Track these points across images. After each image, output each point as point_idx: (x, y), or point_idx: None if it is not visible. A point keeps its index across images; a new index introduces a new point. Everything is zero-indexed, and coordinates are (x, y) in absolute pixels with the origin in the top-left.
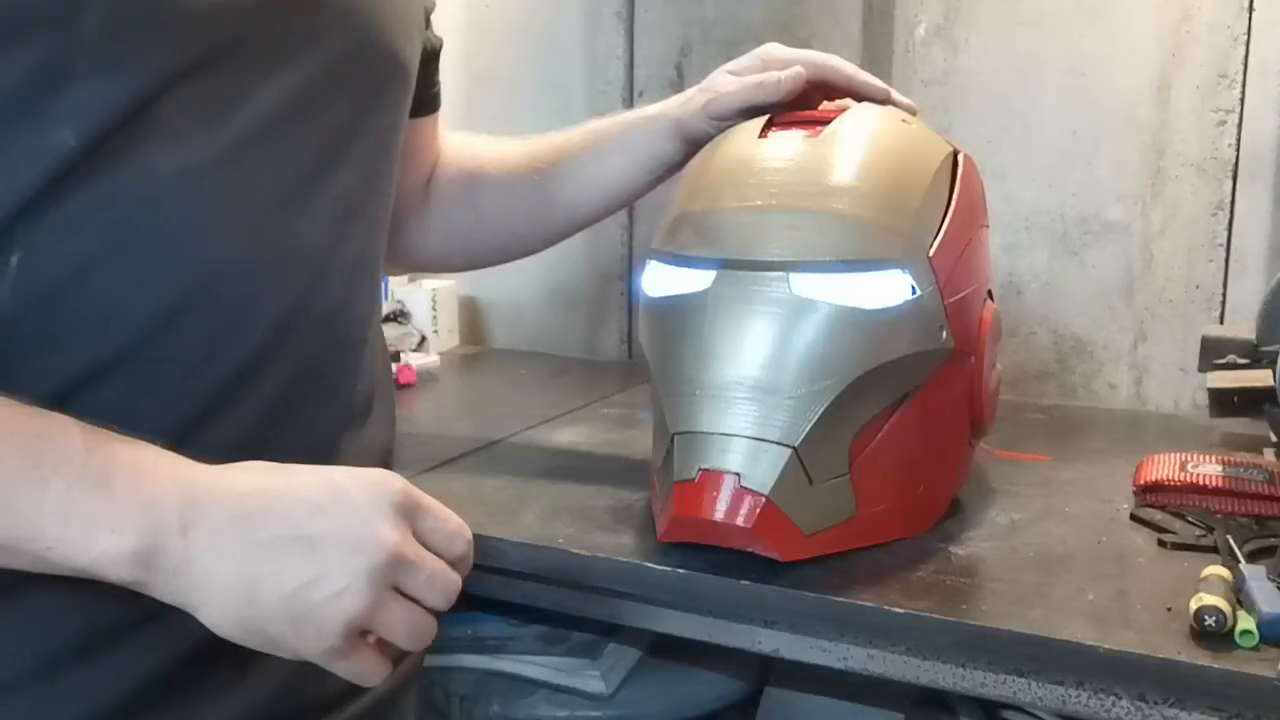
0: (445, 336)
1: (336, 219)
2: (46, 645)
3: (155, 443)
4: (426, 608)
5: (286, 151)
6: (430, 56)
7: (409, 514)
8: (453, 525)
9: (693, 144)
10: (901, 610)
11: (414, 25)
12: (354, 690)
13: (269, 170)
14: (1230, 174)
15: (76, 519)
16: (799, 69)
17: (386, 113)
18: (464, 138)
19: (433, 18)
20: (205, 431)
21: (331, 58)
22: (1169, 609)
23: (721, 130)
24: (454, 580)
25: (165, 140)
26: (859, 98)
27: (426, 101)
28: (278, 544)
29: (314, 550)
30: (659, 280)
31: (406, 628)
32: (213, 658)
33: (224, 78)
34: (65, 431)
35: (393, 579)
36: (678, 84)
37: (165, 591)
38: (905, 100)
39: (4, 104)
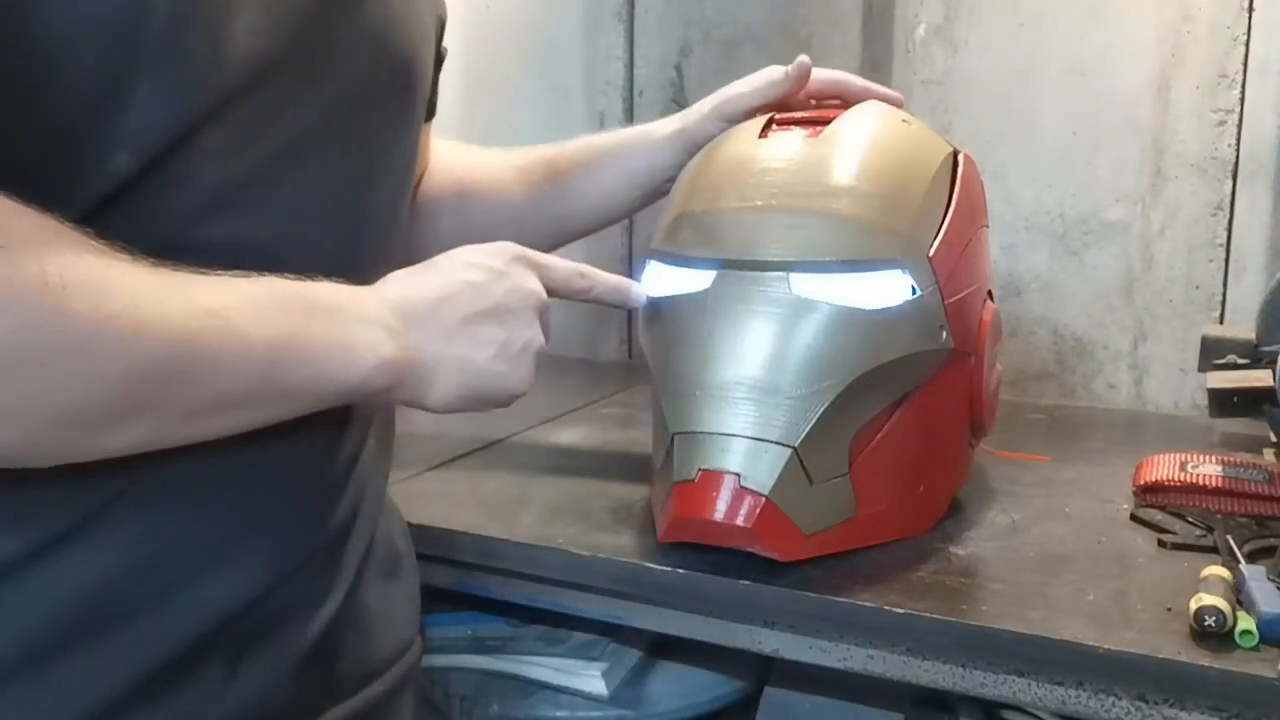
0: None
1: (365, 230)
2: (36, 636)
3: None
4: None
5: (319, 167)
6: (436, 66)
7: (534, 266)
8: (564, 269)
9: (695, 153)
10: (901, 610)
11: (430, 38)
12: (346, 690)
13: (301, 186)
14: (1230, 174)
15: (341, 347)
16: (805, 58)
17: (409, 126)
18: (455, 147)
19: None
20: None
21: (362, 74)
22: (1169, 609)
23: None
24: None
25: (205, 160)
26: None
27: (427, 110)
28: (470, 322)
29: (496, 318)
30: (659, 280)
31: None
32: (203, 656)
33: (262, 97)
34: (269, 280)
35: (540, 317)
36: (678, 84)
37: (405, 391)
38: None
39: (71, 126)
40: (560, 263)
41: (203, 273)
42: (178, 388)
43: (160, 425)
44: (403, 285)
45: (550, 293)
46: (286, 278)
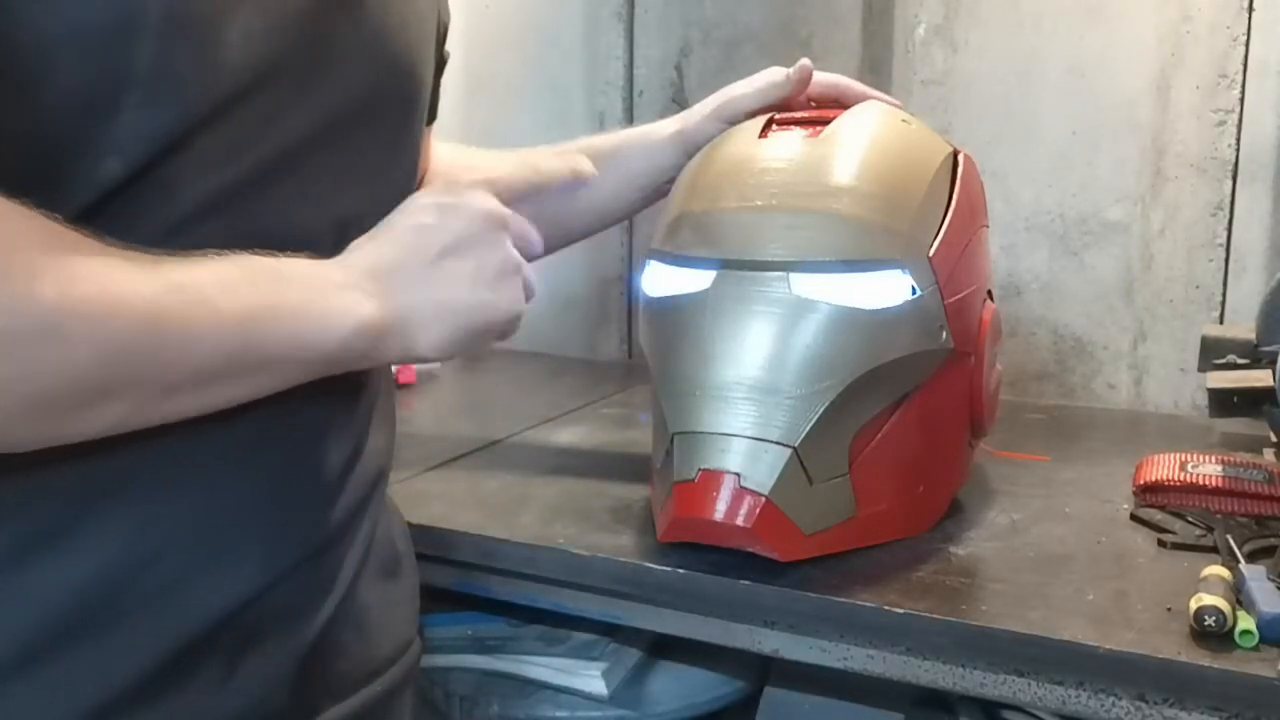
0: None
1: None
2: (31, 634)
3: None
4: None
5: (315, 174)
6: (438, 70)
7: (484, 185)
8: (513, 174)
9: (695, 154)
10: (901, 610)
11: (431, 42)
12: (345, 690)
13: (297, 193)
14: (1230, 174)
15: (317, 314)
16: (806, 61)
17: (410, 132)
18: (454, 149)
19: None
20: (207, 434)
21: (362, 80)
22: (1169, 609)
23: None
24: (534, 233)
25: (197, 166)
26: None
27: (428, 114)
28: (435, 264)
29: (458, 251)
30: (659, 280)
31: (529, 271)
32: (201, 656)
33: (258, 103)
34: (242, 257)
35: (506, 231)
36: (677, 84)
37: (389, 349)
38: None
39: (60, 132)
40: (507, 171)
41: (174, 253)
42: (152, 365)
43: (139, 404)
44: (365, 249)
45: (509, 200)
46: (258, 253)
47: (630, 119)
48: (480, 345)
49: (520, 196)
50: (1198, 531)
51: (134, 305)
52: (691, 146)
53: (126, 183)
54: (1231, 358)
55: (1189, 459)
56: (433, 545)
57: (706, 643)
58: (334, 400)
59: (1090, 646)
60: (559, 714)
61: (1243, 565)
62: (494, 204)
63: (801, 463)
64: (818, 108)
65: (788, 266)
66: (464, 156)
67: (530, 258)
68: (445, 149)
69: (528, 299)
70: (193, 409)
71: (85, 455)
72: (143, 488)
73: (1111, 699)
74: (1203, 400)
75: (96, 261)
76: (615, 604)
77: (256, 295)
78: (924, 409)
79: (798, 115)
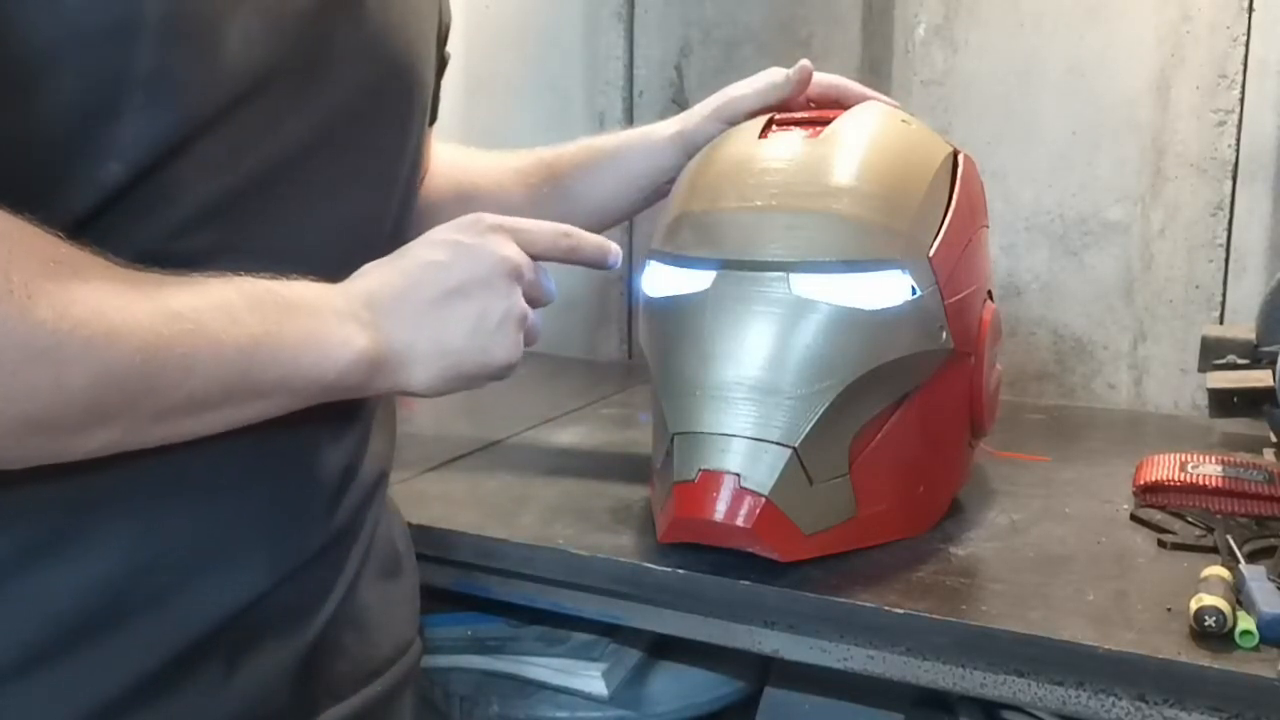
0: None
1: (367, 238)
2: (31, 638)
3: None
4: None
5: (317, 177)
6: (439, 71)
7: (511, 232)
8: (546, 230)
9: (695, 154)
10: (901, 611)
11: (431, 43)
12: (345, 690)
13: (299, 195)
14: (1230, 174)
15: (315, 344)
16: (806, 62)
17: (411, 134)
18: (454, 150)
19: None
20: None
21: (363, 82)
22: (1169, 609)
23: None
24: (550, 285)
25: (198, 170)
26: None
27: (429, 114)
28: (438, 303)
29: (465, 294)
30: (659, 280)
31: (535, 317)
32: (201, 657)
33: (259, 106)
34: (243, 281)
35: (520, 282)
36: (677, 84)
37: (385, 380)
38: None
39: (60, 136)
40: (542, 224)
41: (176, 275)
42: (147, 392)
43: (132, 428)
44: (370, 277)
45: (536, 256)
46: (261, 278)
47: (630, 119)
48: (473, 386)
49: (517, 194)
50: (1198, 532)
51: (132, 331)
52: (692, 147)
53: (127, 186)
54: (1231, 358)
55: (1189, 459)
56: (433, 545)
57: (706, 643)
58: (336, 407)
59: (1090, 647)
60: (559, 714)
61: (1243, 565)
62: (511, 250)
63: (801, 463)
64: (817, 108)
65: (788, 266)
66: (464, 157)
67: (543, 305)
68: (445, 149)
69: (530, 344)
70: (188, 433)
71: (88, 464)
72: (145, 496)
73: (1111, 699)
74: (1203, 400)
75: (96, 285)
76: (615, 604)
77: (255, 324)
78: (924, 409)
79: (798, 116)
